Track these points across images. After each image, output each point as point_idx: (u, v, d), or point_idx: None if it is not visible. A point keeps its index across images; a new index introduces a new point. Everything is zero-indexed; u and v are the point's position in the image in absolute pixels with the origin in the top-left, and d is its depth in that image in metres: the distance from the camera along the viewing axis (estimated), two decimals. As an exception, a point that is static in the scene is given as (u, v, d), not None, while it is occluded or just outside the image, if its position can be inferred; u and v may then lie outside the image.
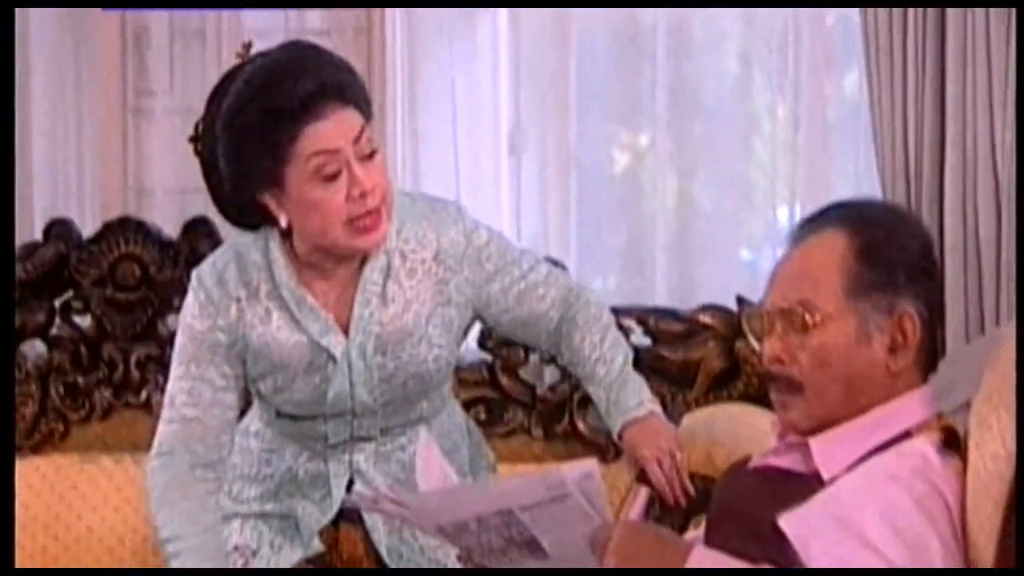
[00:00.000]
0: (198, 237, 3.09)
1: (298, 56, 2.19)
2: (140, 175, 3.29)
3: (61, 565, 2.90)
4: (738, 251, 3.32)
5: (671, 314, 2.98)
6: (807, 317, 1.76)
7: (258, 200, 2.20)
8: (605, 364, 2.39)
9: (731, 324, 2.93)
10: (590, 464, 1.64)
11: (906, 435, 1.75)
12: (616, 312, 2.86)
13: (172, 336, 3.04)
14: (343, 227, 2.16)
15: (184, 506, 2.25)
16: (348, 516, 2.36)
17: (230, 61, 2.35)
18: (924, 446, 1.71)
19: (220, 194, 2.25)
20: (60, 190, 3.31)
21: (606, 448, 2.85)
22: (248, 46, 2.28)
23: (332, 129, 2.13)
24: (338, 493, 2.35)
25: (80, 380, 3.10)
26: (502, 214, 3.27)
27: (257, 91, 2.14)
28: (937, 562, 1.57)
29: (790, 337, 1.78)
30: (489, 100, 3.28)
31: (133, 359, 3.10)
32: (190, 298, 2.31)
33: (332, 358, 2.27)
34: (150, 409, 3.07)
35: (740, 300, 2.93)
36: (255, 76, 2.16)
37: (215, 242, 3.07)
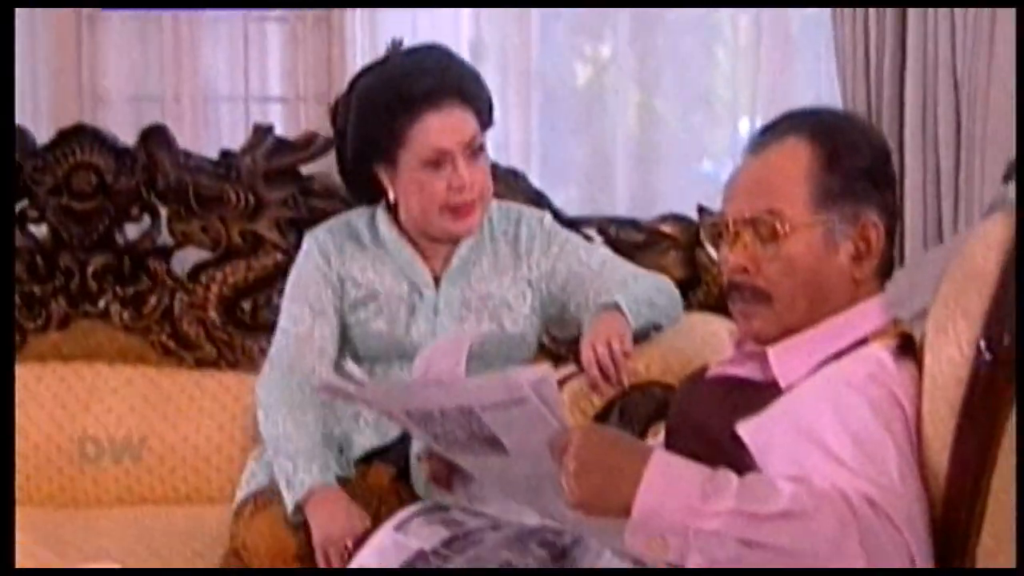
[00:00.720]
0: (155, 145, 3.05)
1: (430, 55, 2.51)
2: (95, 82, 3.24)
3: (19, 473, 2.88)
4: (700, 162, 3.33)
5: (632, 224, 2.98)
6: (777, 226, 1.75)
7: (374, 173, 2.48)
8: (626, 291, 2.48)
9: (691, 233, 2.93)
10: (544, 369, 1.66)
11: (863, 342, 1.75)
12: (577, 222, 2.88)
13: (129, 245, 3.09)
14: (439, 211, 2.44)
15: (301, 417, 2.42)
16: (384, 457, 2.47)
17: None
18: (880, 352, 1.72)
19: (344, 163, 2.57)
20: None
21: (566, 358, 2.85)
22: (398, 43, 2.53)
23: (447, 125, 2.41)
24: (393, 435, 2.45)
25: (36, 290, 3.07)
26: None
27: (389, 78, 2.45)
28: (893, 467, 1.57)
29: (757, 247, 1.77)
30: (450, 11, 3.24)
31: (90, 269, 3.07)
32: (301, 251, 2.59)
33: (422, 298, 2.50)
34: (107, 318, 3.07)
35: (701, 209, 2.93)
36: (390, 67, 2.48)
37: (172, 150, 3.05)
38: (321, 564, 2.27)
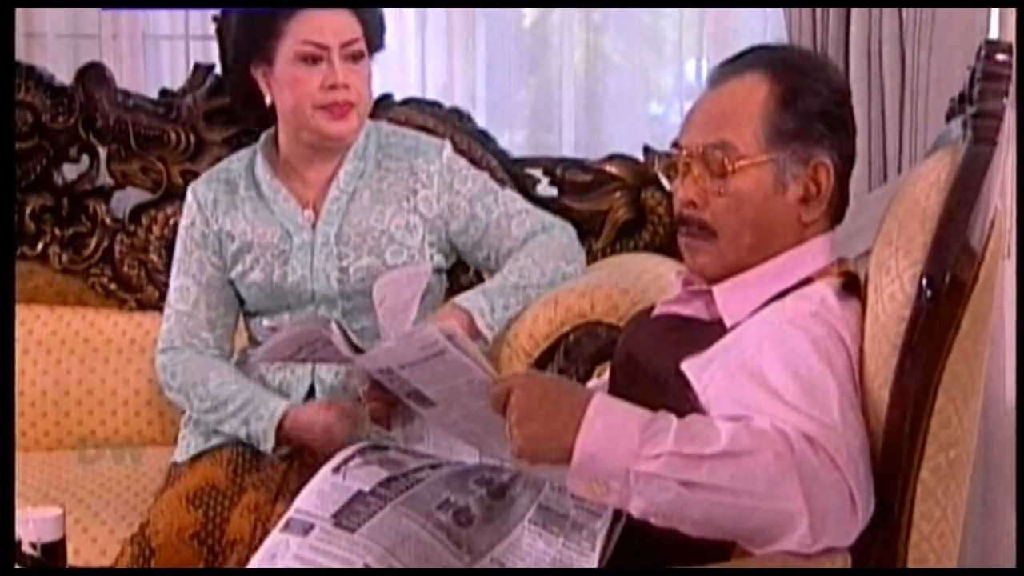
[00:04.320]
0: (93, 84, 3.01)
1: None
2: (30, 18, 3.18)
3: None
4: (647, 104, 3.32)
5: (578, 164, 2.97)
6: (725, 161, 1.75)
7: (251, 74, 2.45)
8: (499, 276, 2.45)
9: (638, 174, 2.92)
10: (452, 325, 1.73)
11: (808, 281, 1.75)
12: (523, 163, 2.86)
13: (67, 186, 3.04)
14: (313, 110, 2.39)
15: (219, 377, 2.42)
16: None
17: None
18: (824, 290, 1.71)
19: (224, 68, 2.61)
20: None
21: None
22: None
23: (327, 22, 2.38)
24: (296, 398, 2.42)
25: (-29, 232, 3.02)
26: (408, 67, 3.22)
27: None
28: (833, 404, 1.57)
29: (706, 181, 1.77)
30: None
31: (28, 210, 3.04)
32: (185, 205, 2.58)
33: (295, 242, 2.45)
34: (46, 261, 3.04)
35: (647, 150, 2.92)
36: None
37: (111, 89, 3.00)
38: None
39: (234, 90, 2.55)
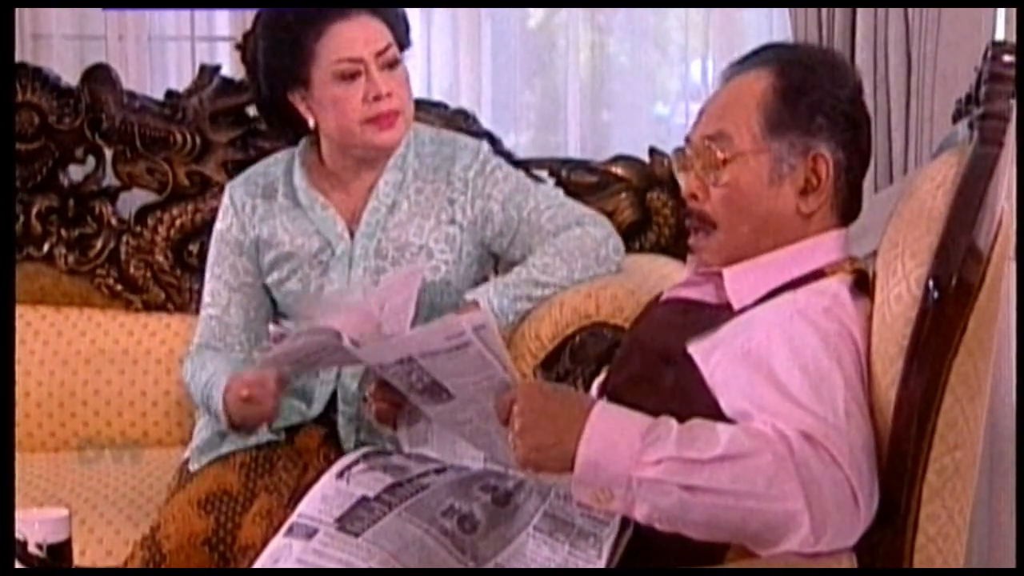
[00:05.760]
0: (99, 85, 3.00)
1: None
2: (36, 19, 3.19)
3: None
4: (652, 105, 3.31)
5: (583, 165, 2.97)
6: (719, 152, 1.76)
7: (289, 101, 2.40)
8: (521, 268, 2.42)
9: (643, 175, 2.92)
10: (482, 316, 1.67)
11: (819, 274, 1.75)
12: (528, 164, 2.86)
13: (73, 187, 3.04)
14: (360, 125, 2.35)
15: (212, 367, 2.39)
16: (319, 419, 2.44)
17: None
18: (838, 286, 1.72)
19: (258, 97, 2.50)
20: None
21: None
22: None
23: (357, 34, 2.34)
24: (318, 406, 2.42)
25: (-22, 232, 3.03)
26: (414, 69, 3.20)
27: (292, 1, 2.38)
28: (839, 401, 1.58)
29: (705, 173, 1.79)
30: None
31: (34, 211, 3.04)
32: (221, 206, 2.54)
33: (334, 253, 2.43)
34: (52, 262, 3.04)
35: (652, 151, 2.92)
36: None
37: (117, 90, 3.00)
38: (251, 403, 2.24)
39: (272, 116, 2.51)
